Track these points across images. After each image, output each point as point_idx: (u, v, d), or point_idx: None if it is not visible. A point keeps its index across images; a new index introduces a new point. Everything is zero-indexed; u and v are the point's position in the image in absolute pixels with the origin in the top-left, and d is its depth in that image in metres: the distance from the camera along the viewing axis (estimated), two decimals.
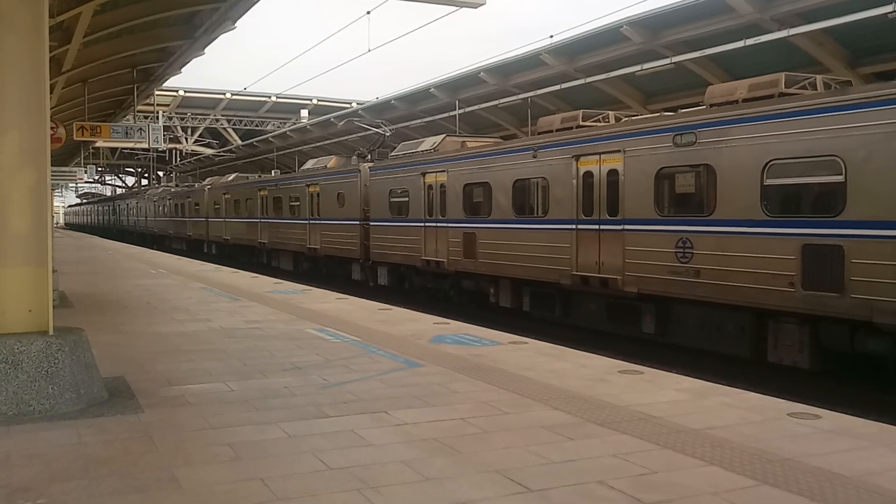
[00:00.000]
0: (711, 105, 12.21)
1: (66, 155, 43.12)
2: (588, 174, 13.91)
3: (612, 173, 13.35)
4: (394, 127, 29.78)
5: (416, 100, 33.02)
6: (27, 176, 6.49)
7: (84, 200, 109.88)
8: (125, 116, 30.08)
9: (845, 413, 6.38)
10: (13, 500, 4.32)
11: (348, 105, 47.85)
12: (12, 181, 6.46)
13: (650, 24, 20.67)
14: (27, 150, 6.48)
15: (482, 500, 4.38)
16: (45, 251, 6.59)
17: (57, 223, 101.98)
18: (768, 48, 17.76)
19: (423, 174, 19.23)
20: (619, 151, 13.17)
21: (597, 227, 13.68)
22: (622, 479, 4.69)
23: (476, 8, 6.95)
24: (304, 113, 52.22)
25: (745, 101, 11.57)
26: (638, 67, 20.50)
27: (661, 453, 5.21)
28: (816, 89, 11.15)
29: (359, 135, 34.13)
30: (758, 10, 17.70)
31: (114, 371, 7.62)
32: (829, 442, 5.46)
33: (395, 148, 22.90)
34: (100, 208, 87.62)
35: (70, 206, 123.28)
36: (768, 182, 10.75)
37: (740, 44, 17.45)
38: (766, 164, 10.71)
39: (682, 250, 11.90)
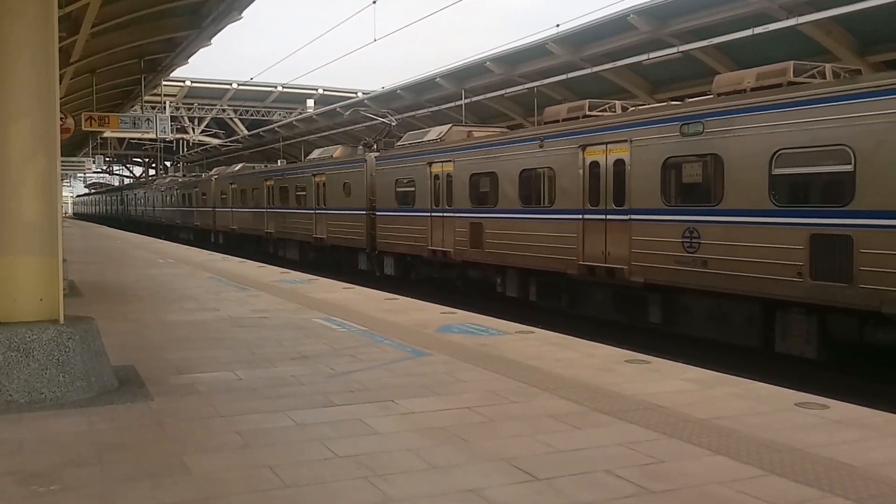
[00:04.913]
0: (719, 94, 12.17)
1: (74, 145, 43.29)
2: (595, 164, 13.89)
3: (619, 163, 13.33)
4: (400, 117, 29.78)
5: (422, 89, 32.97)
6: (38, 164, 6.50)
7: (92, 190, 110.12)
8: (133, 107, 30.14)
9: (853, 403, 6.37)
10: (27, 484, 4.36)
11: (354, 95, 47.78)
12: (23, 169, 6.46)
13: (658, 12, 20.59)
14: (38, 138, 6.48)
15: (489, 487, 4.40)
16: (55, 240, 6.61)
17: (66, 213, 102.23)
18: (777, 37, 17.68)
19: (430, 164, 19.22)
20: (625, 141, 13.15)
21: (603, 216, 13.67)
22: (629, 468, 4.71)
23: None
24: (310, 103, 52.23)
25: (753, 90, 11.53)
26: (645, 56, 20.44)
27: (668, 442, 5.23)
28: (825, 78, 11.10)
29: (365, 124, 34.14)
30: None
31: (123, 359, 7.67)
32: (837, 432, 5.46)
33: (401, 138, 22.89)
34: (108, 198, 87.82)
35: (78, 195, 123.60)
36: (777, 171, 10.72)
37: (748, 32, 17.36)
38: (775, 153, 10.68)
39: (689, 240, 11.89)
